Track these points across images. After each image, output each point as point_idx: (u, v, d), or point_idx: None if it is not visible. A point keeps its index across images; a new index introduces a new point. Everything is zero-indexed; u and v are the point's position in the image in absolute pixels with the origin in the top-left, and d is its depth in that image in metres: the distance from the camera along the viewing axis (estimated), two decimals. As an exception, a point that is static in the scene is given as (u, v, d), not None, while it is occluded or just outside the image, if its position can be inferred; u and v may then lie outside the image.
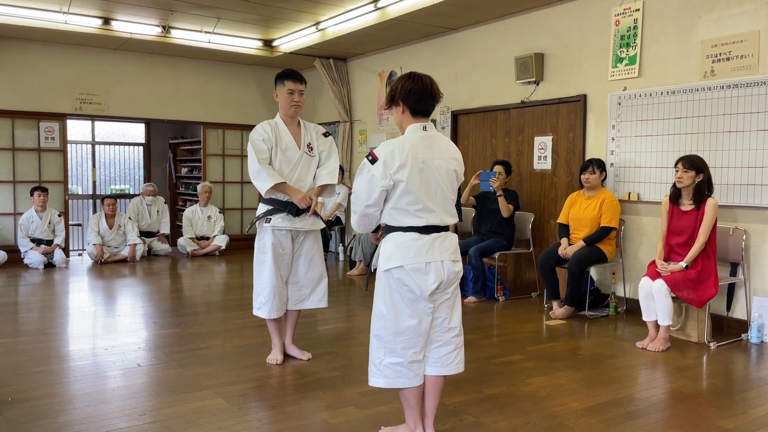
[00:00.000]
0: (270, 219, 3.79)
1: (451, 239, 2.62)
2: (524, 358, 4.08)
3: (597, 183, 5.29)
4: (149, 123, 10.78)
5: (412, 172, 2.47)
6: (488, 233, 6.10)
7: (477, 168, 6.61)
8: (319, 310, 5.53)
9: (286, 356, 3.99)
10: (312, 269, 3.98)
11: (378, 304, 2.60)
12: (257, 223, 3.87)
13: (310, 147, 3.84)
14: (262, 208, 3.86)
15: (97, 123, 10.46)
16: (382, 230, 2.64)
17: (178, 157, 11.35)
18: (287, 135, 3.80)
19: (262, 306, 3.89)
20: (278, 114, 3.87)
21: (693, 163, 4.35)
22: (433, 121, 7.47)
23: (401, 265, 2.49)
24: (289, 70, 3.80)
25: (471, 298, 5.84)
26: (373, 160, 2.49)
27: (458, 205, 6.55)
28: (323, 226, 4.00)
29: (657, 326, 4.37)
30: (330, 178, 3.85)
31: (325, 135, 3.96)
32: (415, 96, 2.56)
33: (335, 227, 8.71)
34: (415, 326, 2.55)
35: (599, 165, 5.30)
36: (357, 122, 8.84)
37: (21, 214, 7.94)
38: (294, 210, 3.75)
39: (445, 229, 2.60)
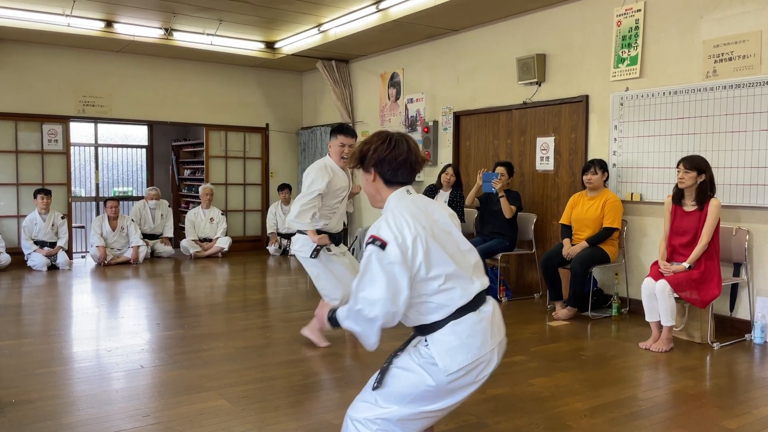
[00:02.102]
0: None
1: (496, 307, 2.15)
2: (527, 358, 4.08)
3: (599, 184, 5.28)
4: (152, 125, 10.79)
5: (431, 243, 2.00)
6: (491, 234, 6.10)
7: (479, 170, 6.61)
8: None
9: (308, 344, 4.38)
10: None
11: (401, 393, 2.06)
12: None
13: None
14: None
15: (99, 125, 10.47)
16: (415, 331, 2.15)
17: (180, 159, 11.37)
18: (338, 177, 4.36)
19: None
20: (328, 157, 4.40)
21: (694, 164, 4.35)
22: (435, 123, 7.48)
23: (471, 362, 1.99)
24: (344, 126, 4.37)
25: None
26: (383, 245, 1.95)
27: (461, 207, 6.56)
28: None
29: (660, 327, 4.36)
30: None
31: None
32: (390, 165, 2.09)
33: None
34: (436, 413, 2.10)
35: (601, 165, 5.29)
36: (359, 123, 8.85)
37: (24, 216, 7.96)
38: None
39: (486, 293, 2.15)
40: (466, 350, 1.99)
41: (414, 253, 1.96)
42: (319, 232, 4.28)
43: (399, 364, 2.10)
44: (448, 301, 2.01)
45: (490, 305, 2.11)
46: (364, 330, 2.02)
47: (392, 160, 2.08)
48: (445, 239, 2.06)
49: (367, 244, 1.99)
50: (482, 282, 2.11)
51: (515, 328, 4.92)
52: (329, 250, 4.32)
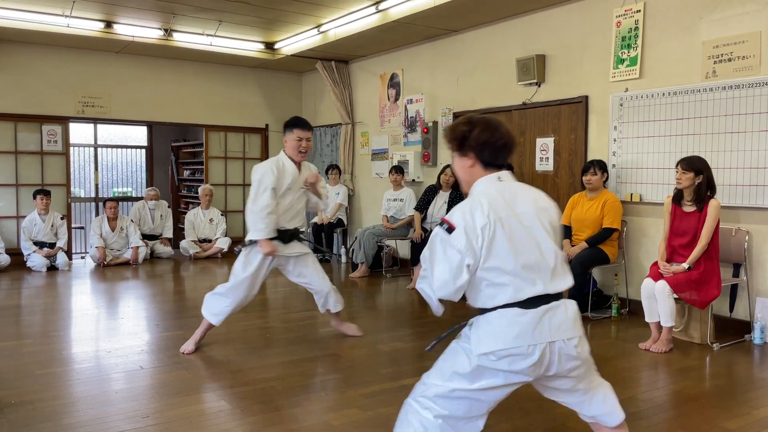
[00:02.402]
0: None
1: (566, 310, 2.09)
2: (527, 359, 4.07)
3: (599, 184, 5.29)
4: (151, 126, 10.79)
5: (499, 235, 2.00)
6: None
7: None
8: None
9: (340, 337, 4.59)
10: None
11: (446, 381, 2.10)
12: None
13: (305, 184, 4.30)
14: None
15: (99, 126, 10.47)
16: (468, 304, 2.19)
17: (180, 160, 11.37)
18: (287, 174, 4.21)
19: None
20: (282, 153, 4.27)
21: (692, 165, 4.35)
22: (435, 124, 7.47)
23: (499, 348, 2.01)
24: (300, 119, 4.22)
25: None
26: (450, 229, 2.00)
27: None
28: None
29: (660, 327, 4.36)
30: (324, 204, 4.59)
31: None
32: (491, 149, 2.12)
33: (337, 229, 8.72)
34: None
35: (601, 166, 5.30)
36: (359, 124, 8.85)
37: (24, 217, 7.95)
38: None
39: (557, 297, 2.09)
40: (497, 338, 2.02)
41: (479, 240, 1.99)
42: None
43: (449, 346, 2.20)
44: (497, 294, 2.04)
45: (554, 305, 2.06)
46: (427, 296, 2.10)
47: (494, 143, 2.11)
48: (520, 234, 2.04)
49: (438, 225, 2.06)
50: (550, 285, 2.07)
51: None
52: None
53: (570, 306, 2.12)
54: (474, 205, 2.03)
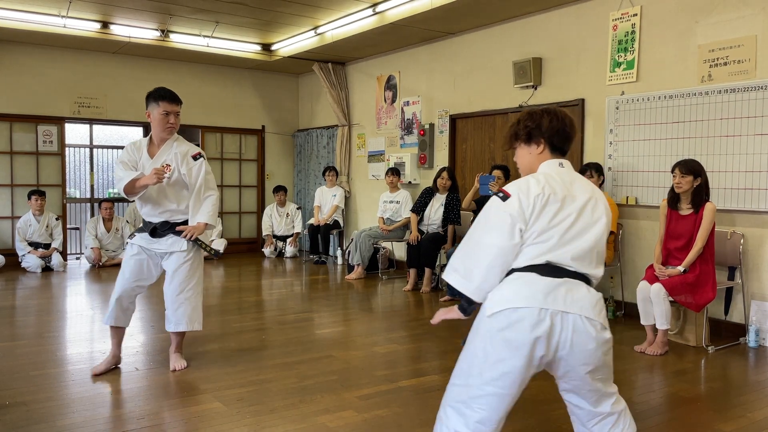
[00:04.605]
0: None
1: (589, 291, 2.07)
2: (523, 361, 4.07)
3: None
4: (147, 126, 10.76)
5: (551, 205, 2.05)
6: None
7: (476, 173, 6.63)
8: (316, 314, 5.54)
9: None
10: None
11: (464, 358, 2.11)
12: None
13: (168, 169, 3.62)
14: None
15: (95, 126, 10.42)
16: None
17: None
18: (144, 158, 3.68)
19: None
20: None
21: (690, 168, 4.36)
22: (431, 126, 7.48)
23: (508, 307, 1.99)
24: (167, 90, 3.64)
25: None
26: (505, 197, 2.07)
27: (458, 210, 6.56)
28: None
29: (655, 330, 4.37)
30: (210, 219, 3.76)
31: (195, 158, 3.71)
32: (561, 135, 2.22)
33: (333, 231, 8.71)
34: (502, 395, 2.03)
35: (597, 169, 5.31)
36: (355, 126, 8.85)
37: (19, 217, 7.93)
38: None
39: (583, 278, 2.08)
40: (509, 297, 2.00)
41: (531, 208, 2.04)
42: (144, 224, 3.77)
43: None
44: (522, 256, 2.06)
45: (576, 282, 2.04)
46: (484, 272, 2.08)
47: (563, 131, 2.21)
48: (570, 210, 2.07)
49: (494, 194, 2.13)
50: (581, 265, 2.06)
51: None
52: (132, 237, 3.79)
53: (594, 291, 2.08)
54: (531, 179, 2.12)
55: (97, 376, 3.68)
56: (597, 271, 2.12)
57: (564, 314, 1.98)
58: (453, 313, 2.17)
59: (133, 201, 3.79)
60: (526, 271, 2.03)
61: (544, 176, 2.13)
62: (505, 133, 2.35)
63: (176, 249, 3.73)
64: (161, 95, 3.59)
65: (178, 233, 3.70)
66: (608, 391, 2.17)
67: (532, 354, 1.98)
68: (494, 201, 2.10)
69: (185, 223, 3.74)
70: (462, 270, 2.09)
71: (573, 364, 2.04)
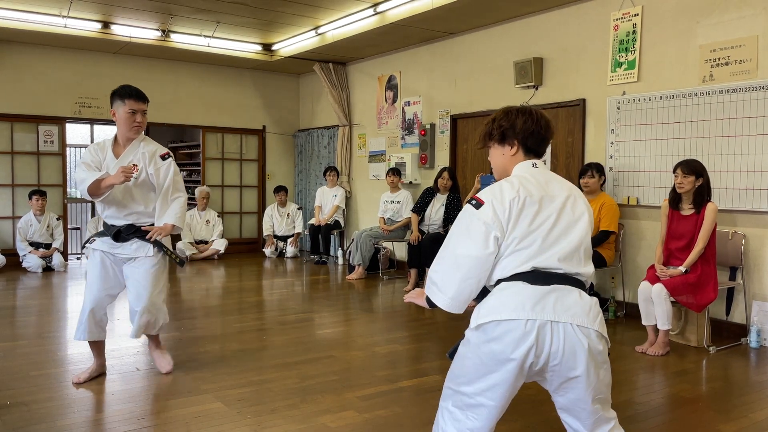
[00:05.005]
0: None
1: (581, 296, 1.98)
2: (524, 362, 4.07)
3: (596, 187, 5.29)
4: (148, 126, 10.76)
5: (528, 208, 1.99)
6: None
7: (476, 173, 6.62)
8: (317, 314, 5.53)
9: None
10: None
11: (456, 365, 2.08)
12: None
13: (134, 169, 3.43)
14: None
15: (96, 126, 10.44)
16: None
17: (177, 161, 11.34)
18: (108, 158, 3.54)
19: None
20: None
21: (692, 168, 4.36)
22: (432, 126, 7.47)
23: (494, 319, 1.93)
24: (133, 88, 3.52)
25: (470, 303, 5.83)
26: (478, 204, 2.01)
27: (459, 210, 6.55)
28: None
29: (656, 330, 4.37)
30: (177, 220, 3.60)
31: (163, 158, 3.60)
32: (536, 137, 2.18)
33: (334, 231, 8.71)
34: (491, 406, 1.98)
35: (598, 169, 5.30)
36: (356, 126, 8.85)
37: (20, 217, 7.93)
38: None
39: (573, 282, 2.00)
40: (495, 309, 1.96)
41: (506, 213, 1.98)
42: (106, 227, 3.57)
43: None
44: (508, 265, 2.00)
45: (567, 288, 1.96)
46: (457, 286, 2.05)
47: (537, 132, 2.17)
48: (549, 211, 2.01)
49: (467, 202, 2.08)
50: (570, 266, 1.99)
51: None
52: (91, 242, 3.61)
53: (586, 296, 2.00)
54: (504, 183, 2.06)
55: (79, 384, 3.51)
56: (587, 269, 2.04)
57: (554, 323, 1.91)
58: (421, 300, 2.17)
59: (96, 202, 3.61)
60: (512, 280, 1.98)
61: (518, 179, 2.06)
62: (480, 130, 2.30)
63: (141, 254, 3.56)
64: (127, 93, 3.47)
65: (144, 237, 3.52)
66: (607, 416, 2.08)
67: (522, 366, 1.92)
68: (467, 209, 2.04)
69: (152, 226, 3.59)
70: (439, 282, 2.06)
71: (566, 375, 1.96)
